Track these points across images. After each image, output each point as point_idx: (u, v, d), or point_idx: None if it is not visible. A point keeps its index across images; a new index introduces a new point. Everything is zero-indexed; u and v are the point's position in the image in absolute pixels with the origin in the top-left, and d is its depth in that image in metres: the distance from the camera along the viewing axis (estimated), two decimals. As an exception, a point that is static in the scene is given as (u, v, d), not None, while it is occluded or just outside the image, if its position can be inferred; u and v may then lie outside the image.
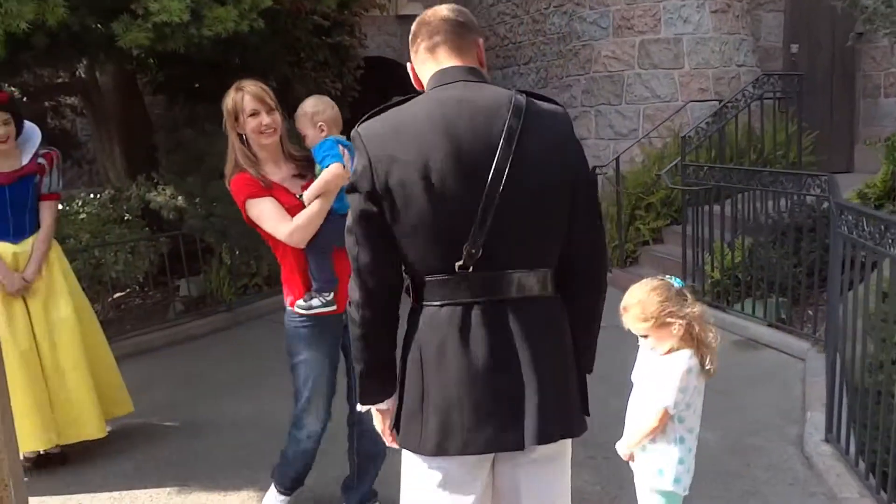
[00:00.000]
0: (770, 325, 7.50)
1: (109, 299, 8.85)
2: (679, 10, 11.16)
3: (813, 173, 7.18)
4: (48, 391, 5.32)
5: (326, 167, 3.86)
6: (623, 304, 3.47)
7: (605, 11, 11.59)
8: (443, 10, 2.76)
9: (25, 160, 5.36)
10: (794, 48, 12.56)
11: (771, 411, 6.02)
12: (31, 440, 5.21)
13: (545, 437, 2.50)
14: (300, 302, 4.00)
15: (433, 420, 2.52)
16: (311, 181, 3.95)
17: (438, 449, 2.52)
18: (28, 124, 5.51)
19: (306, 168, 4.09)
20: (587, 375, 2.87)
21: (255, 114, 3.90)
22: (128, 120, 11.71)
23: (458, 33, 2.71)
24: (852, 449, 4.91)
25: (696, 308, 3.43)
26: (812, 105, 12.11)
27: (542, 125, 2.57)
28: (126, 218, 9.68)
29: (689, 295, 3.46)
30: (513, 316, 2.52)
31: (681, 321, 3.34)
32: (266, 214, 3.89)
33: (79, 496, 5.18)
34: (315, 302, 3.95)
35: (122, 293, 9.67)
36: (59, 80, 12.04)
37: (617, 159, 10.39)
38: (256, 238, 9.60)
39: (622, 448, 3.65)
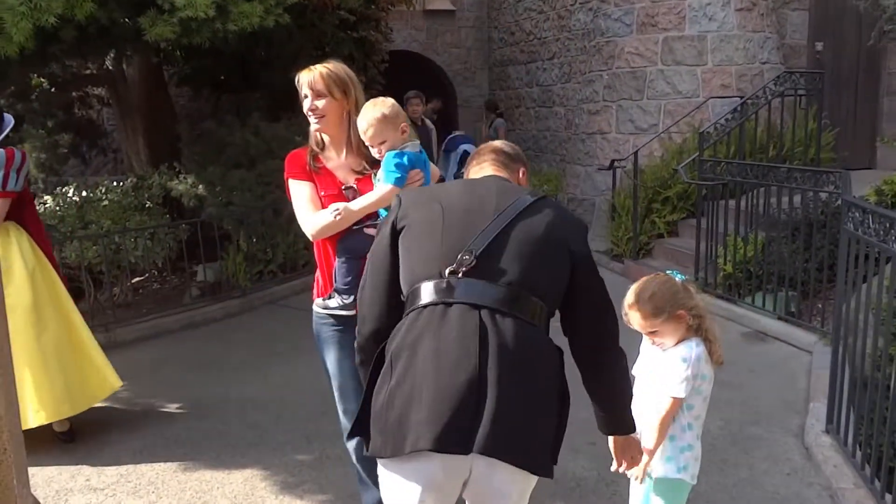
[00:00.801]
0: (780, 318, 7.50)
1: (128, 283, 8.96)
2: (704, 7, 11.11)
3: (827, 170, 7.16)
4: None
5: (388, 183, 3.64)
6: (630, 300, 3.43)
7: (630, 9, 11.55)
8: (496, 143, 3.20)
9: None
10: (819, 46, 12.48)
11: (775, 402, 6.03)
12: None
13: (491, 450, 2.44)
14: (319, 300, 3.92)
15: (394, 417, 2.54)
16: (368, 178, 3.81)
17: (395, 450, 2.53)
18: (7, 120, 5.56)
19: (371, 164, 3.84)
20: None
21: (305, 96, 3.77)
22: (152, 111, 11.83)
23: (503, 161, 3.08)
24: (850, 440, 4.92)
25: (701, 300, 3.47)
26: (836, 102, 12.09)
27: (552, 211, 2.78)
28: (147, 205, 9.78)
29: (692, 288, 3.48)
30: (489, 324, 2.55)
31: (693, 312, 3.38)
32: (298, 199, 3.82)
33: (87, 470, 5.28)
34: (332, 302, 3.82)
35: (141, 277, 9.80)
36: (87, 72, 12.13)
37: (635, 153, 10.38)
38: (273, 226, 9.75)
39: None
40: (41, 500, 4.87)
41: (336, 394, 3.94)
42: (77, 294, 8.51)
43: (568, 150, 13.45)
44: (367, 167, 3.83)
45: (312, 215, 3.74)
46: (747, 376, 6.53)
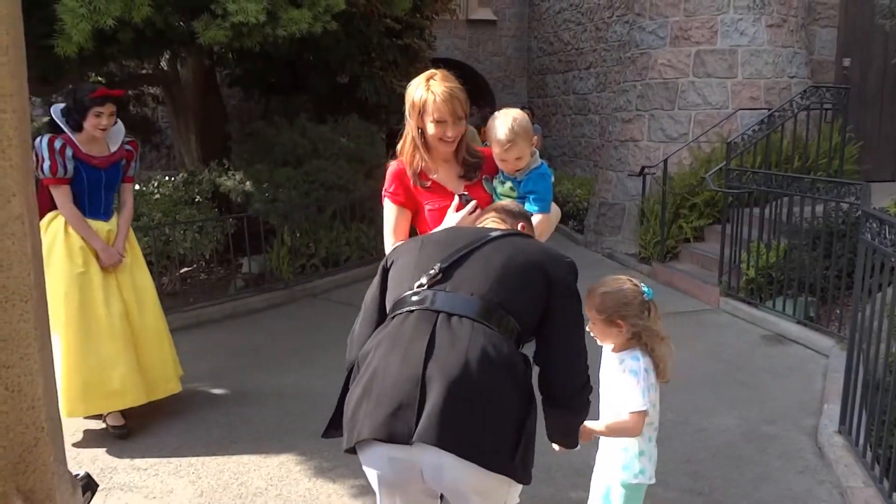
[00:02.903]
0: (799, 322, 7.47)
1: (177, 273, 9.03)
2: (736, 23, 11.06)
3: (849, 181, 7.13)
4: (137, 352, 5.56)
5: (546, 212, 3.58)
6: (591, 287, 3.33)
7: (664, 22, 11.52)
8: (504, 202, 3.30)
9: (113, 147, 5.58)
10: (847, 62, 12.42)
11: (790, 403, 5.99)
12: (127, 398, 5.48)
13: (432, 439, 2.36)
14: None
15: (350, 413, 2.56)
16: (478, 184, 3.65)
17: (348, 441, 2.56)
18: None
19: (472, 170, 3.64)
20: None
21: (441, 122, 3.43)
22: (204, 110, 11.96)
23: (502, 217, 3.10)
24: (862, 441, 4.90)
25: (653, 322, 3.32)
26: (862, 117, 12.00)
27: (531, 242, 2.86)
28: (196, 200, 9.93)
29: (652, 308, 3.33)
30: (443, 325, 2.53)
31: (629, 328, 3.26)
32: (386, 222, 3.68)
33: (131, 450, 5.36)
34: None
35: (189, 268, 9.88)
36: (143, 72, 12.31)
37: (665, 161, 10.38)
38: (316, 222, 9.80)
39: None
40: (87, 477, 4.97)
41: None
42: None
43: (601, 156, 13.42)
44: (471, 173, 3.64)
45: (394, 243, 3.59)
46: (765, 377, 6.51)
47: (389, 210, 3.66)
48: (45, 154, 5.25)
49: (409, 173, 3.60)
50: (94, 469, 5.09)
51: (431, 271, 2.64)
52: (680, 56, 11.36)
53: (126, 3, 6.47)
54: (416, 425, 2.38)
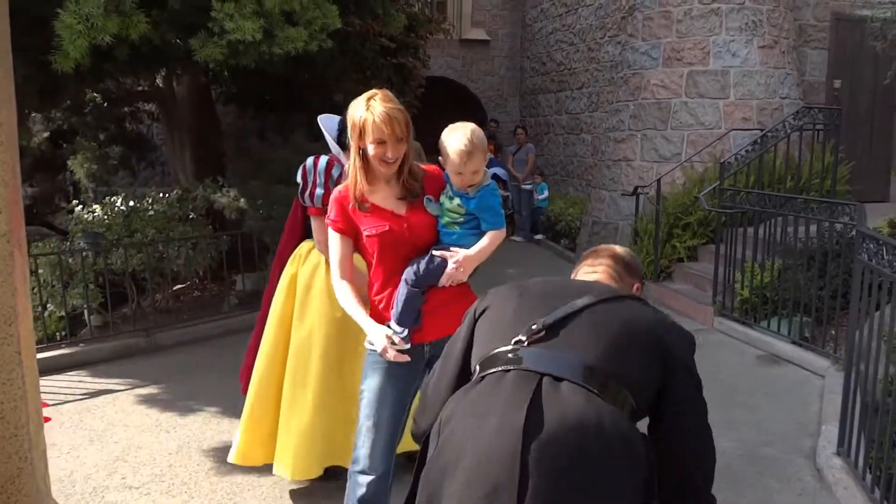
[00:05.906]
0: (794, 343, 7.41)
1: (170, 290, 8.96)
2: (728, 44, 11.05)
3: (843, 202, 7.09)
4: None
5: (500, 228, 3.55)
6: None
7: (657, 43, 11.51)
8: (618, 249, 2.82)
9: None
10: (837, 83, 12.48)
11: (788, 424, 5.91)
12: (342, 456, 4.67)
13: None
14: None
15: (429, 489, 2.16)
16: (420, 205, 3.50)
17: None
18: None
19: (414, 191, 3.49)
20: None
21: (380, 142, 3.30)
22: (199, 127, 11.91)
23: (618, 272, 2.72)
24: (861, 463, 4.81)
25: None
26: (853, 137, 12.04)
27: (652, 310, 2.42)
28: (191, 216, 9.82)
29: None
30: (549, 391, 2.10)
31: None
32: (333, 254, 3.55)
33: (123, 469, 5.25)
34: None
35: (182, 285, 9.77)
36: (139, 89, 12.27)
37: (658, 181, 10.32)
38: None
39: None
40: (78, 497, 4.86)
41: (366, 414, 3.50)
42: (120, 299, 8.52)
43: (594, 175, 13.41)
44: (412, 195, 3.49)
45: (340, 283, 3.51)
46: (762, 398, 6.43)
47: (333, 239, 3.55)
48: (321, 180, 4.66)
49: (350, 196, 3.46)
50: (86, 487, 5.00)
51: (534, 326, 2.26)
52: (672, 76, 11.35)
53: (123, 20, 6.39)
54: None
